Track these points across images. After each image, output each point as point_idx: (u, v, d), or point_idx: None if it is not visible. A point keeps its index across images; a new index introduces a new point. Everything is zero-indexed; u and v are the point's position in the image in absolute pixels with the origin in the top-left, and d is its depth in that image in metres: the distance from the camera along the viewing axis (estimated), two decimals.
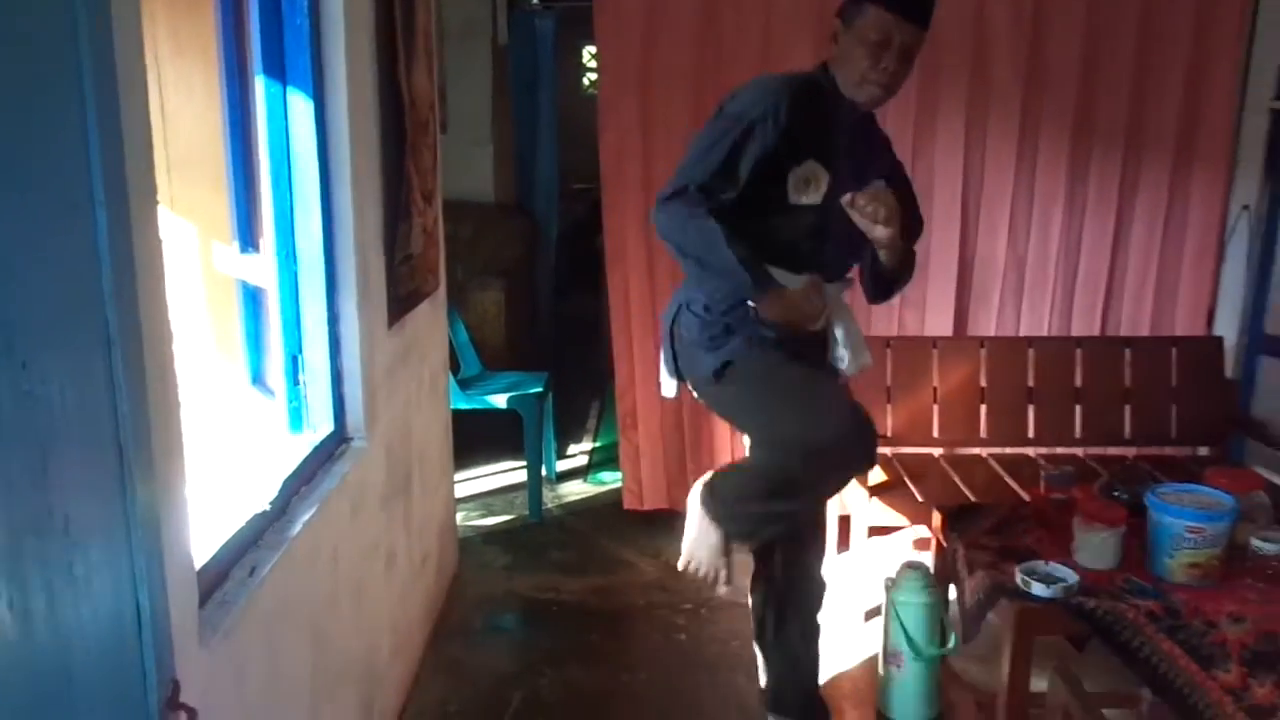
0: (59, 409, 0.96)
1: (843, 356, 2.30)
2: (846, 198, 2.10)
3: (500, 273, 5.52)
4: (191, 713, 1.21)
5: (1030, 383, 3.42)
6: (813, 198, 2.15)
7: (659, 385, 2.55)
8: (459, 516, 3.75)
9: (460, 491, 3.95)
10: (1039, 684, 2.08)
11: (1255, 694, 2.15)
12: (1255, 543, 2.25)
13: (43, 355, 0.93)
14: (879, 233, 2.14)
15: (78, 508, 1.00)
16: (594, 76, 9.13)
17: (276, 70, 2.09)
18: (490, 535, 3.82)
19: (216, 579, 1.62)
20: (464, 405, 3.80)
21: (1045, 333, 3.69)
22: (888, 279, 2.31)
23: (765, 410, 2.28)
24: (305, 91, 2.11)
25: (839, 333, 2.30)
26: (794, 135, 2.08)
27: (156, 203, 1.27)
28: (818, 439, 2.14)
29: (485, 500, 4.13)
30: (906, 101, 3.41)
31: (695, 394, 2.42)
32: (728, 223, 2.06)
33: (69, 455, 0.99)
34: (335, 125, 2.19)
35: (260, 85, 2.09)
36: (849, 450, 2.18)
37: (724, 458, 3.72)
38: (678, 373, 2.38)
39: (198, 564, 1.48)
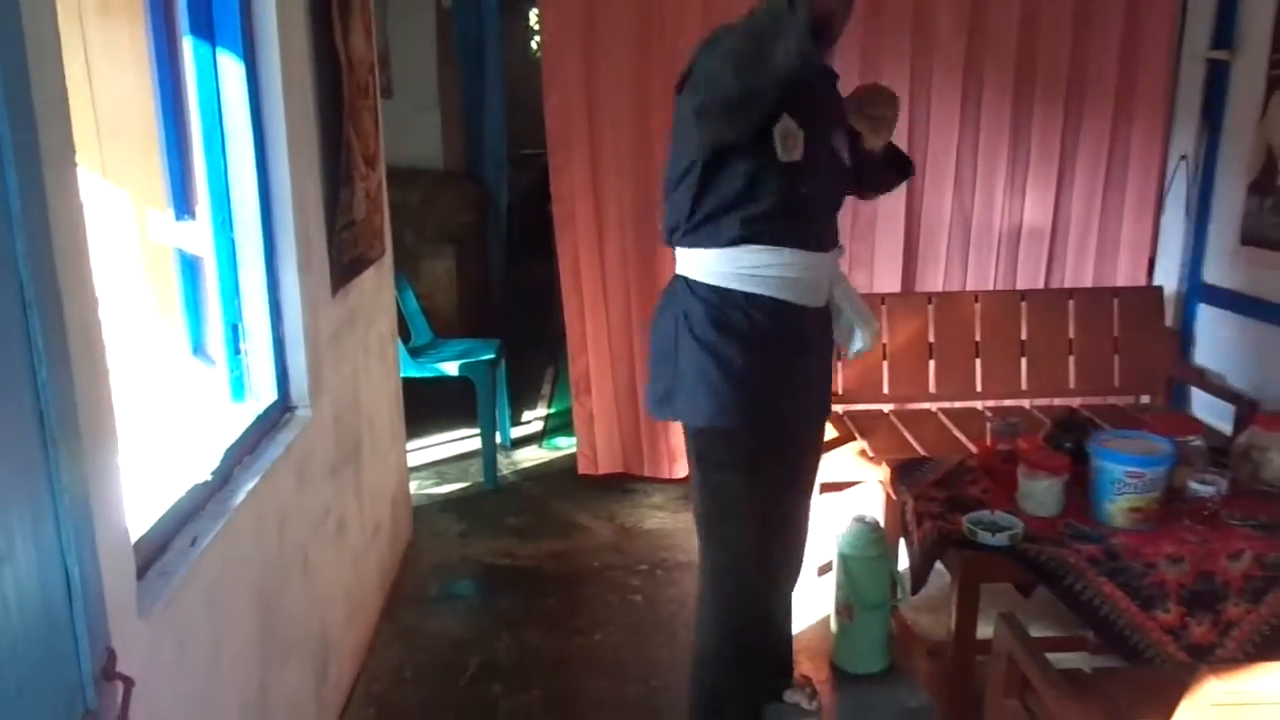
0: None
1: (853, 328, 2.26)
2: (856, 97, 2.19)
3: (451, 240, 5.46)
4: (128, 682, 1.20)
5: (977, 337, 3.46)
6: (794, 155, 2.06)
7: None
8: (413, 485, 3.73)
9: (414, 460, 3.93)
10: (986, 631, 2.13)
11: (1193, 633, 2.22)
12: (1192, 485, 2.30)
13: None
14: (878, 141, 2.22)
15: (13, 483, 0.97)
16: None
17: (205, 31, 2.03)
18: (445, 503, 3.81)
19: (156, 550, 1.59)
20: (415, 373, 3.77)
21: (991, 287, 3.73)
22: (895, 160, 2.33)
23: (717, 537, 2.22)
24: (236, 53, 2.05)
25: (844, 304, 2.26)
26: None
27: (75, 164, 1.23)
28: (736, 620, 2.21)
29: (439, 468, 4.12)
30: (849, 57, 3.40)
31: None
32: (728, 201, 2.05)
33: (6, 432, 0.96)
34: (269, 88, 2.14)
35: (189, 46, 2.03)
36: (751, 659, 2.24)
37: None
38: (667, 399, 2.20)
39: (136, 535, 1.46)
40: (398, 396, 3.40)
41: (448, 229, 5.54)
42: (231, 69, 2.07)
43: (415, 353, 3.96)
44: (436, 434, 4.39)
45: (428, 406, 4.03)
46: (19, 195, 1.02)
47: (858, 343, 2.28)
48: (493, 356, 3.96)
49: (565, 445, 4.27)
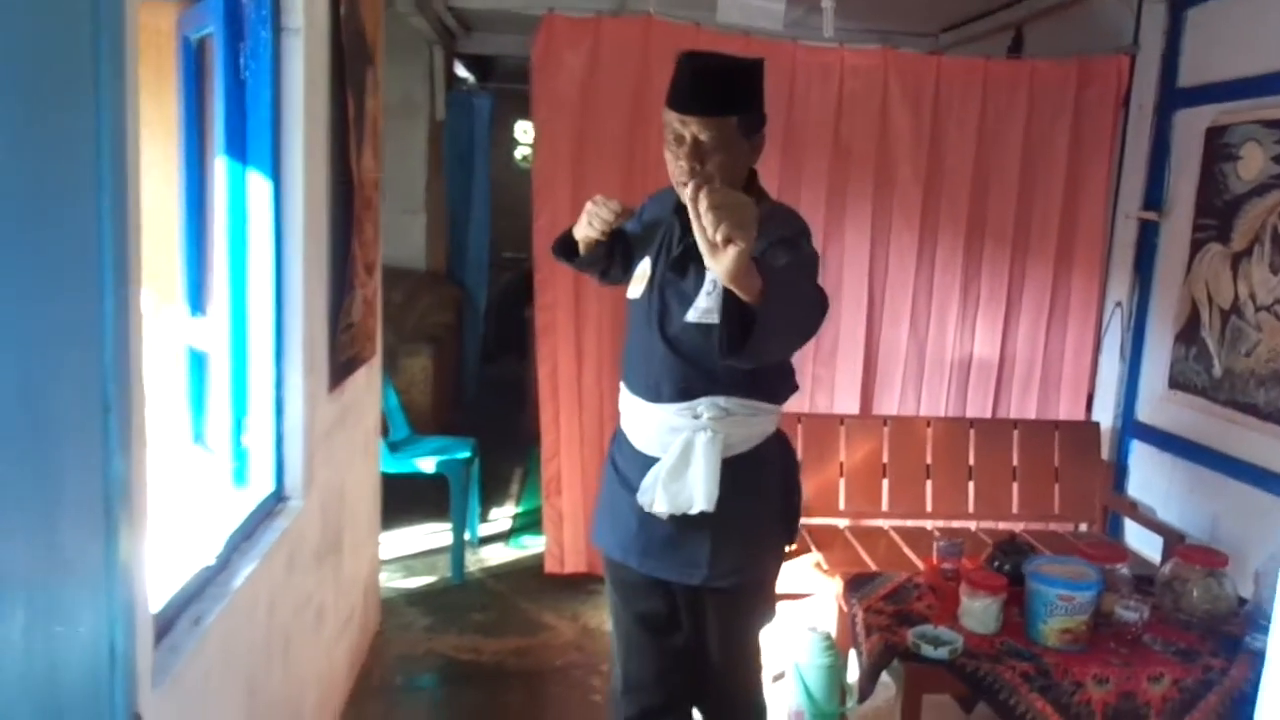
0: (69, 468, 1.10)
1: (652, 498, 2.01)
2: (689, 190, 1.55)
3: (429, 339, 5.65)
4: None
5: (928, 460, 3.69)
6: (632, 293, 2.09)
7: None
8: (382, 577, 3.82)
9: (383, 553, 4.02)
10: None
11: None
12: (1118, 611, 2.49)
13: (58, 421, 1.07)
14: (716, 266, 1.56)
15: (75, 554, 1.13)
16: (526, 150, 9.44)
17: (239, 151, 2.25)
18: (412, 596, 3.89)
19: (165, 626, 1.72)
20: (393, 469, 3.90)
21: (943, 414, 3.97)
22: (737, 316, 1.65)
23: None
24: (265, 172, 2.27)
25: (658, 474, 2.01)
26: (639, 225, 2.17)
27: (140, 281, 1.41)
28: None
29: (407, 562, 4.21)
30: (817, 199, 3.71)
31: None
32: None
33: (71, 508, 1.12)
34: (291, 204, 2.35)
35: (222, 164, 2.24)
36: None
37: None
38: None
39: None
40: (377, 491, 3.53)
41: (426, 328, 5.74)
42: (260, 186, 2.28)
43: (393, 447, 4.09)
44: (404, 527, 4.48)
45: (398, 500, 4.15)
46: (113, 315, 1.21)
47: (652, 499, 2.02)
48: (469, 455, 4.11)
49: (531, 544, 4.39)
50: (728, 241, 1.50)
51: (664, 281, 2.02)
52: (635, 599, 2.16)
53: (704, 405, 1.98)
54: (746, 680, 2.25)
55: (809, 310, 1.76)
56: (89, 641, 1.20)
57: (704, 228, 1.51)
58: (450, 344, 6.08)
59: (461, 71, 6.75)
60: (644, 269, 2.08)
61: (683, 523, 2.01)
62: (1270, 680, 1.38)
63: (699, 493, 1.97)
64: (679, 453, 1.98)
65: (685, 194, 1.54)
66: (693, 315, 1.95)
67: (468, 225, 6.35)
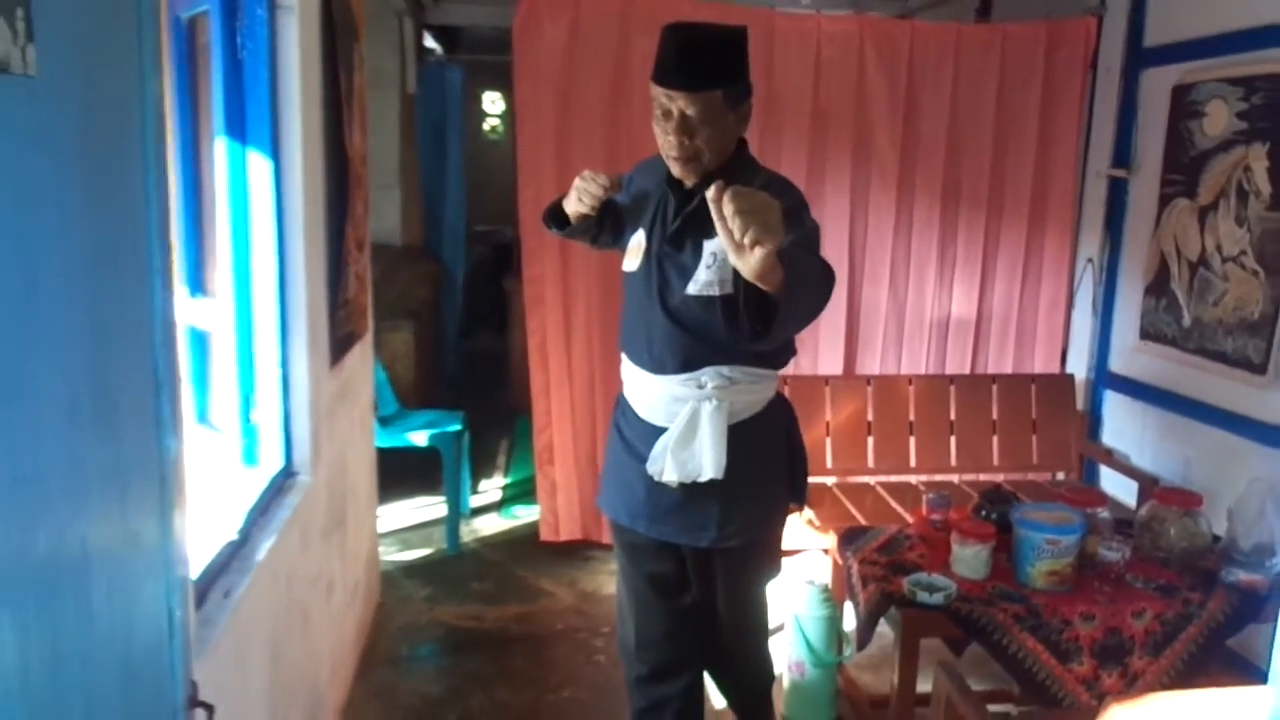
0: (133, 447, 1.15)
1: (663, 467, 2.07)
2: (712, 193, 1.57)
3: (409, 314, 5.67)
4: (210, 709, 1.38)
5: (911, 417, 3.79)
6: (633, 264, 2.11)
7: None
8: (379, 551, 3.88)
9: (379, 527, 4.07)
10: (923, 687, 2.38)
11: (1104, 683, 2.51)
12: (1101, 551, 2.61)
13: (124, 404, 1.12)
14: (742, 266, 1.61)
15: (140, 529, 1.18)
16: (495, 122, 9.40)
17: (238, 132, 2.27)
18: (410, 569, 3.95)
19: (200, 599, 1.77)
20: (386, 443, 3.94)
21: (923, 371, 4.08)
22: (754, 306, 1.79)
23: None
24: (265, 151, 2.29)
25: (666, 444, 2.07)
26: (630, 196, 2.20)
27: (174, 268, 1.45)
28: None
29: (402, 535, 4.26)
30: (797, 164, 3.77)
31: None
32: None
33: (137, 485, 1.17)
34: (290, 182, 2.37)
35: (222, 145, 2.26)
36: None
37: None
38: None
39: None
40: (373, 466, 3.58)
41: (406, 303, 5.75)
42: (260, 166, 2.30)
43: (384, 423, 4.13)
44: (396, 502, 4.53)
45: (387, 475, 4.19)
46: (161, 301, 1.25)
47: (661, 469, 2.07)
48: (459, 428, 4.16)
49: (524, 514, 4.46)
50: (755, 244, 1.53)
51: (661, 254, 2.05)
52: (644, 561, 2.23)
53: (708, 375, 2.03)
54: (754, 639, 2.35)
55: (821, 287, 1.81)
56: (152, 611, 1.25)
57: (730, 230, 1.54)
58: (430, 318, 6.10)
59: (429, 43, 6.72)
60: (639, 241, 2.12)
61: (691, 488, 2.07)
62: None
63: (708, 461, 2.02)
64: (685, 422, 2.04)
65: (708, 194, 1.57)
66: (693, 288, 2.00)
67: (443, 199, 6.34)
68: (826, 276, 1.83)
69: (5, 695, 0.81)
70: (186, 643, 1.38)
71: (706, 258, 1.98)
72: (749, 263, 1.56)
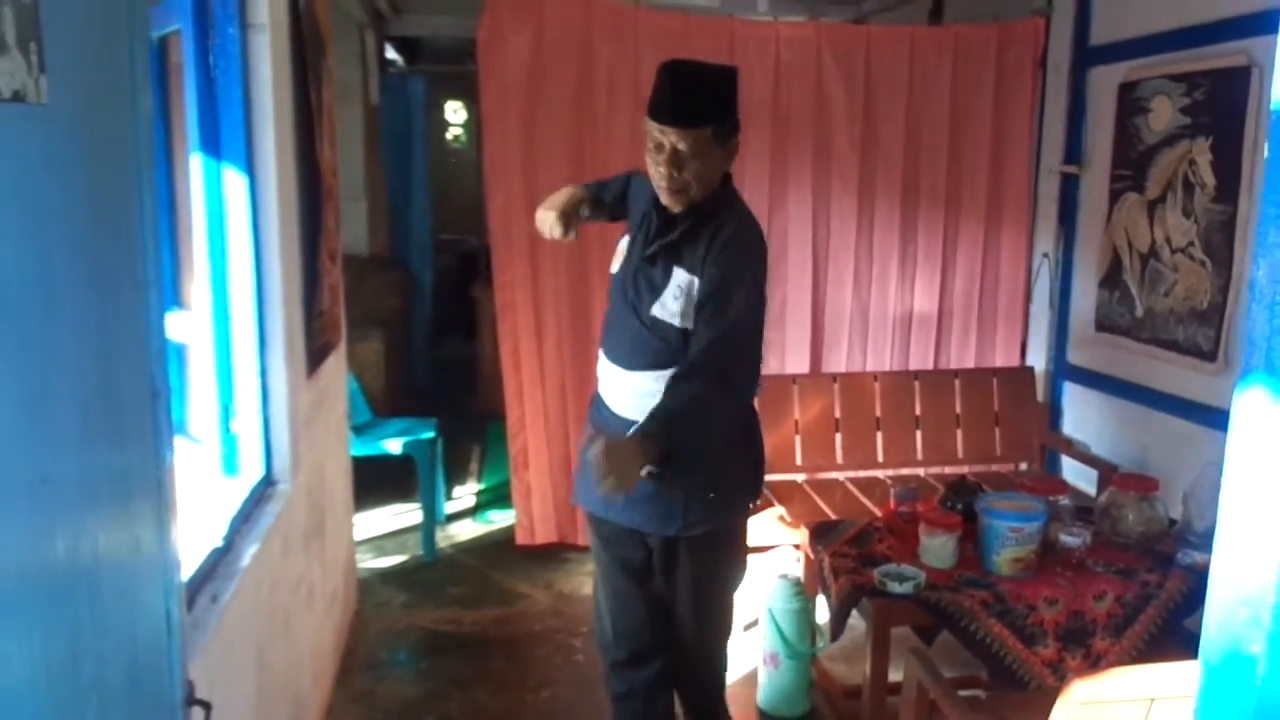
0: (135, 456, 1.19)
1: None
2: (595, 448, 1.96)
3: (378, 323, 5.68)
4: (207, 706, 1.42)
5: (878, 412, 3.88)
6: (612, 267, 2.32)
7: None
8: None
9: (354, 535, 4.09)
10: (895, 677, 2.46)
11: (1068, 665, 2.60)
12: (1063, 538, 2.70)
13: (129, 415, 1.16)
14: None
15: (141, 534, 1.22)
16: (457, 131, 9.42)
17: (213, 148, 2.30)
18: (386, 575, 3.98)
19: (189, 603, 1.80)
20: (361, 452, 3.96)
21: (888, 368, 4.17)
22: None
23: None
24: (240, 167, 2.32)
25: None
26: (633, 202, 2.37)
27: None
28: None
29: (377, 542, 4.28)
30: (760, 170, 3.86)
31: None
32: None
33: (139, 491, 1.21)
34: (265, 197, 2.41)
35: (198, 161, 2.29)
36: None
37: None
38: None
39: None
40: (349, 474, 3.61)
41: (375, 312, 5.76)
42: (236, 181, 2.34)
43: (357, 431, 4.15)
44: (370, 510, 4.55)
45: (360, 483, 4.21)
46: (156, 311, 1.29)
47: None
48: (432, 435, 4.19)
49: (498, 519, 4.50)
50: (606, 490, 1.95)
51: (637, 269, 2.23)
52: (618, 549, 2.34)
53: (668, 375, 2.16)
54: (712, 638, 2.42)
55: (716, 406, 2.12)
56: (152, 612, 1.29)
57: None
58: (399, 327, 6.12)
59: (391, 54, 6.74)
60: (624, 247, 2.30)
61: (659, 480, 2.15)
62: None
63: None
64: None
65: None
66: (658, 311, 2.17)
67: (409, 209, 6.37)
68: (725, 393, 2.13)
69: (31, 690, 0.85)
70: (183, 643, 1.42)
71: (673, 289, 2.16)
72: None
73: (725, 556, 2.35)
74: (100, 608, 1.03)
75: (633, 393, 2.21)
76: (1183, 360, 3.42)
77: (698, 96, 2.08)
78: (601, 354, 2.31)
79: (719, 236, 2.13)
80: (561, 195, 2.38)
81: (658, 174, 2.12)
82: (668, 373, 2.14)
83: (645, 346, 2.18)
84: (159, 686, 1.32)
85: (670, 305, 2.15)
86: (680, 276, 2.14)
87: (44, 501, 0.89)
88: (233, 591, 1.94)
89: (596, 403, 2.35)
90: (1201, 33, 3.30)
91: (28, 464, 0.85)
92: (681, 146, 2.06)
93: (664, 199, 2.16)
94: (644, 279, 2.20)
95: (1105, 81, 3.78)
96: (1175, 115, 3.42)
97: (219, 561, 2.04)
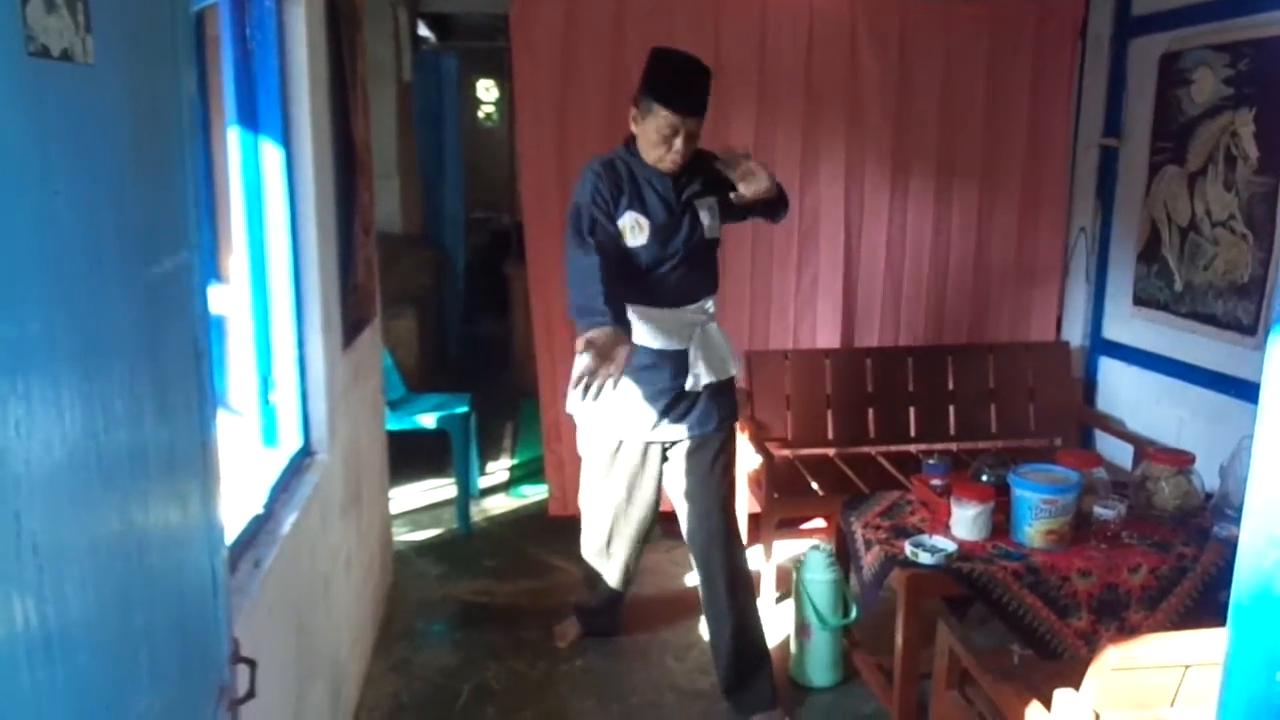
0: (181, 420, 1.22)
1: (700, 373, 2.75)
2: (722, 160, 2.68)
3: (411, 300, 5.73)
4: (252, 664, 1.46)
5: (910, 387, 3.86)
6: (640, 239, 2.67)
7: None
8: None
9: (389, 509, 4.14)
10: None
11: (1102, 637, 2.59)
12: (1097, 510, 2.69)
13: (176, 388, 1.19)
14: (747, 190, 2.64)
15: (188, 495, 1.26)
16: (489, 109, 9.44)
17: (250, 121, 2.33)
18: (422, 548, 4.03)
19: (231, 568, 1.84)
20: (395, 426, 4.01)
21: (921, 342, 4.15)
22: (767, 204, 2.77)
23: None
24: (277, 140, 2.35)
25: (697, 356, 2.76)
26: (609, 198, 2.65)
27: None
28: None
29: (412, 516, 4.34)
30: (792, 142, 3.84)
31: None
32: (606, 269, 2.54)
33: (183, 453, 1.24)
34: (301, 170, 2.44)
35: (235, 135, 2.32)
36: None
37: None
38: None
39: None
40: (384, 447, 3.65)
41: (408, 289, 5.81)
42: (273, 154, 2.36)
43: (392, 407, 4.20)
44: (405, 484, 4.61)
45: (397, 458, 4.27)
46: (197, 288, 1.32)
47: (699, 375, 2.77)
48: (467, 410, 4.23)
49: (531, 493, 4.54)
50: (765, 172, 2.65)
51: (680, 220, 2.70)
52: (655, 462, 2.86)
53: (708, 303, 2.80)
54: (731, 511, 2.91)
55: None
56: (198, 571, 1.32)
57: (749, 170, 2.63)
58: (432, 304, 6.16)
59: (423, 31, 6.76)
60: (634, 221, 2.67)
61: (706, 390, 2.77)
62: None
63: (731, 361, 2.85)
64: (700, 338, 2.75)
65: (739, 153, 2.72)
66: (709, 233, 2.76)
67: (441, 186, 6.39)
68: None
69: (86, 631, 0.88)
70: (228, 603, 1.45)
71: (704, 214, 2.74)
72: (763, 183, 2.63)
73: (734, 447, 2.98)
74: (149, 562, 1.06)
75: (678, 324, 2.73)
76: (1222, 334, 3.37)
77: (702, 85, 2.60)
78: (640, 307, 2.68)
79: (701, 159, 2.73)
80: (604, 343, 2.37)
81: (671, 154, 2.60)
82: (703, 303, 2.78)
83: (688, 282, 2.74)
84: (206, 642, 1.36)
85: (715, 226, 2.76)
86: (708, 202, 2.74)
87: (102, 465, 0.92)
88: (274, 557, 1.99)
89: (635, 357, 2.57)
90: (1246, 1, 3.24)
91: (81, 423, 0.88)
92: (694, 129, 2.59)
93: (668, 169, 2.66)
94: (687, 224, 2.70)
95: (1147, 52, 3.72)
96: (1218, 86, 3.36)
97: (260, 529, 2.08)
